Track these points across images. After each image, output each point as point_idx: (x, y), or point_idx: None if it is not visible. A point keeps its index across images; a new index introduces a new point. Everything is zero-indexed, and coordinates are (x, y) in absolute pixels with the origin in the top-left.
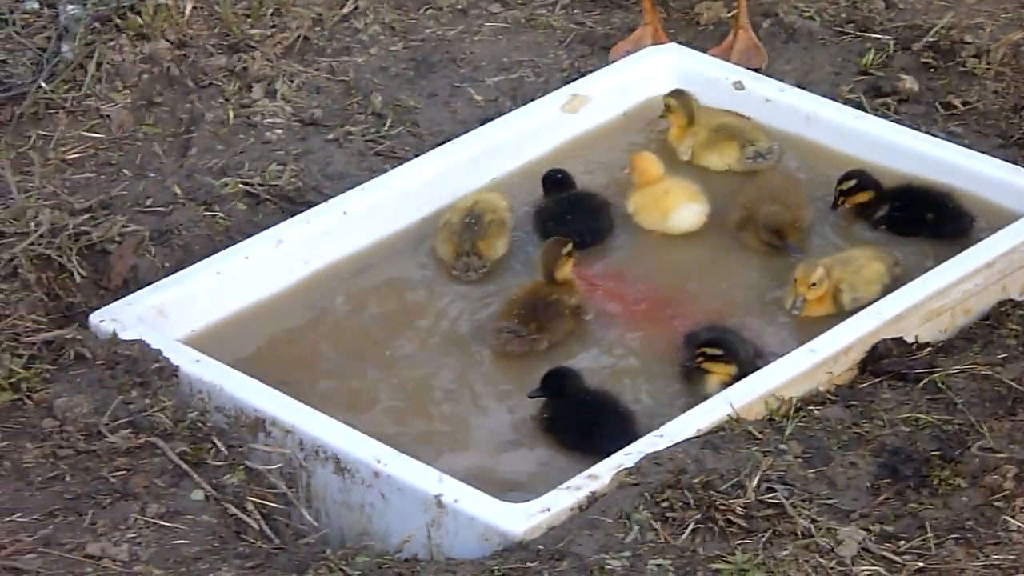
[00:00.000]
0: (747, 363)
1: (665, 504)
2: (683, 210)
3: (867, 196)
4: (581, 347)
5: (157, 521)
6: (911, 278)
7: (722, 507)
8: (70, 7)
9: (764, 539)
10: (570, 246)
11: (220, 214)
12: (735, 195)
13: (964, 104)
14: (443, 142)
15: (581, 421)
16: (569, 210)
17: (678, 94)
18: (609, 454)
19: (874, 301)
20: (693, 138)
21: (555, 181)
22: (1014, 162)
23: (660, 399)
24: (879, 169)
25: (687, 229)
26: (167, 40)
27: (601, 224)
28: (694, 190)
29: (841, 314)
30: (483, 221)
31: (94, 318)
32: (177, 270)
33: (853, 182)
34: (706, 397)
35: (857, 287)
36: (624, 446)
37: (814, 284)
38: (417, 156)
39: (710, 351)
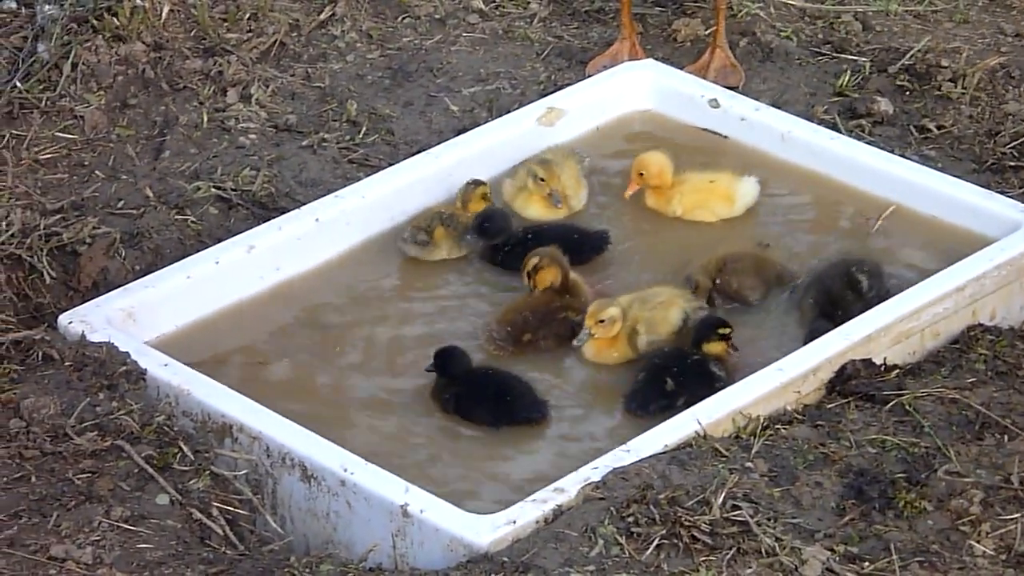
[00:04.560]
0: None
1: (631, 519)
2: (746, 184)
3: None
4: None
5: (122, 524)
6: None
7: (687, 523)
8: (47, 7)
9: (728, 556)
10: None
11: (192, 218)
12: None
13: (939, 128)
14: (418, 151)
15: (483, 396)
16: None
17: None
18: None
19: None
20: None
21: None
22: (987, 187)
23: None
24: (853, 191)
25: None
26: (143, 42)
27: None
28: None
29: (637, 358)
30: None
31: (63, 319)
32: (147, 273)
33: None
34: None
35: (655, 327)
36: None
37: (602, 321)
38: (391, 165)
39: None
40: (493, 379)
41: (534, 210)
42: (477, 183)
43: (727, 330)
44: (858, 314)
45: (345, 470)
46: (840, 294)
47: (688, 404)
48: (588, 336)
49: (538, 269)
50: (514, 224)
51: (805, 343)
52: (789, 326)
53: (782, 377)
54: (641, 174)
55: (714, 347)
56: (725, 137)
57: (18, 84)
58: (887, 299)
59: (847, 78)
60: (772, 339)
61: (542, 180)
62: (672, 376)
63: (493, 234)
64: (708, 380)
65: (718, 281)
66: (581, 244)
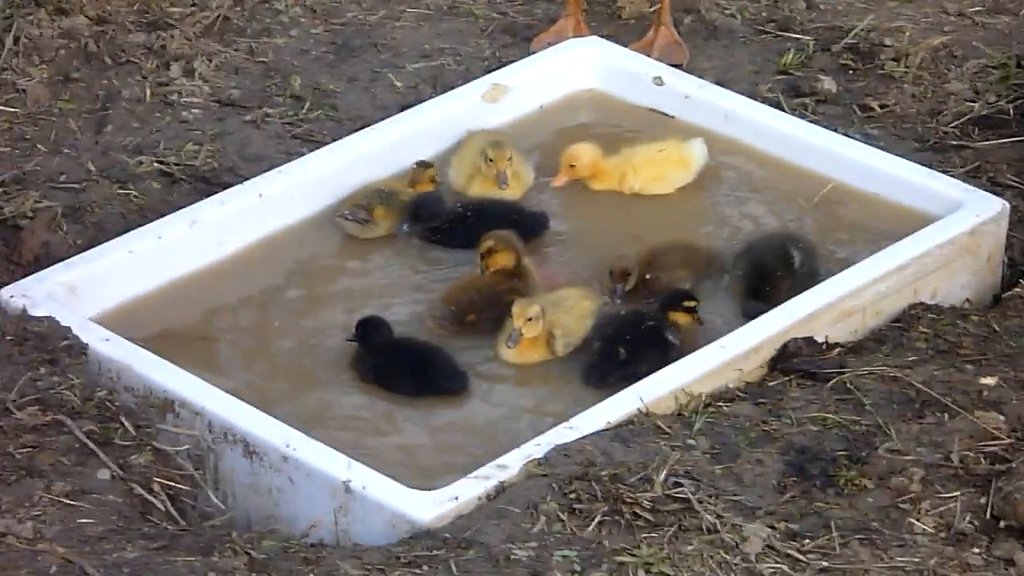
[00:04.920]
0: None
1: (573, 496)
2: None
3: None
4: None
5: (62, 499)
6: None
7: (629, 500)
8: None
9: (670, 533)
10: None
11: (134, 192)
12: None
13: (882, 107)
14: (362, 127)
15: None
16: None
17: None
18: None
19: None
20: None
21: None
22: (929, 166)
23: None
24: (796, 169)
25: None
26: (86, 16)
27: None
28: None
29: (554, 360)
30: None
31: (4, 293)
32: (89, 248)
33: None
34: None
35: (570, 330)
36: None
37: (531, 319)
38: (335, 140)
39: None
40: (413, 349)
41: (478, 190)
42: (425, 164)
43: (693, 303)
44: (787, 290)
45: (287, 446)
46: (771, 269)
47: (647, 373)
48: (519, 336)
49: (492, 252)
50: (451, 202)
51: (743, 319)
52: (726, 303)
53: (724, 355)
54: (572, 166)
55: (680, 316)
56: (671, 117)
57: None
58: (817, 276)
59: (791, 56)
60: (709, 317)
61: (491, 160)
62: (627, 345)
63: (428, 219)
64: (663, 347)
65: (648, 276)
66: (520, 224)
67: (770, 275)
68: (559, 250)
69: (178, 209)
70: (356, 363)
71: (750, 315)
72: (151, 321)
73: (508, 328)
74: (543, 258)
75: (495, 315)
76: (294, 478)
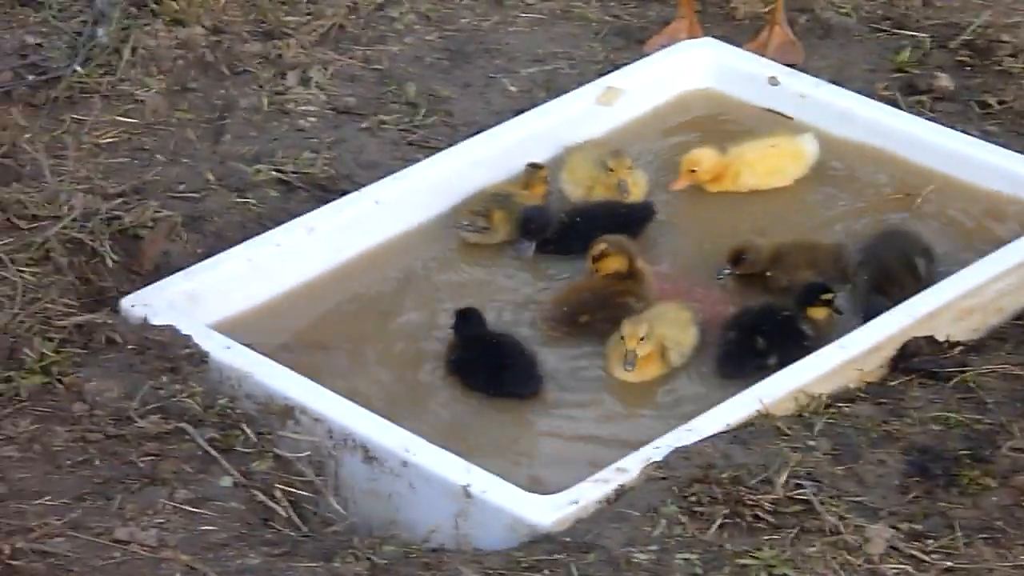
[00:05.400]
0: None
1: (693, 498)
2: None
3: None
4: None
5: (185, 507)
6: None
7: (750, 502)
8: None
9: (792, 535)
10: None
11: (252, 201)
12: None
13: (1000, 103)
14: (476, 132)
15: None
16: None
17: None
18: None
19: (694, 351)
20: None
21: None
22: None
23: None
24: (913, 167)
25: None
26: (202, 26)
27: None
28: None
29: (672, 373)
30: None
31: (125, 303)
32: (209, 256)
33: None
34: None
35: (681, 341)
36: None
37: (643, 338)
38: (450, 146)
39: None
40: (495, 346)
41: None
42: (537, 166)
43: (830, 295)
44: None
45: (407, 451)
46: (898, 275)
47: (782, 365)
48: (635, 357)
49: (604, 255)
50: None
51: (863, 320)
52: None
53: (844, 355)
54: (693, 171)
55: (818, 312)
56: (790, 119)
57: (78, 69)
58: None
59: (907, 54)
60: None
61: (611, 170)
62: (764, 335)
63: (539, 232)
64: (799, 339)
65: (769, 274)
66: (628, 217)
67: (897, 280)
68: (667, 241)
69: (296, 217)
70: (447, 354)
71: (871, 315)
72: (271, 328)
73: (620, 349)
74: (657, 260)
75: (609, 316)
76: (414, 483)
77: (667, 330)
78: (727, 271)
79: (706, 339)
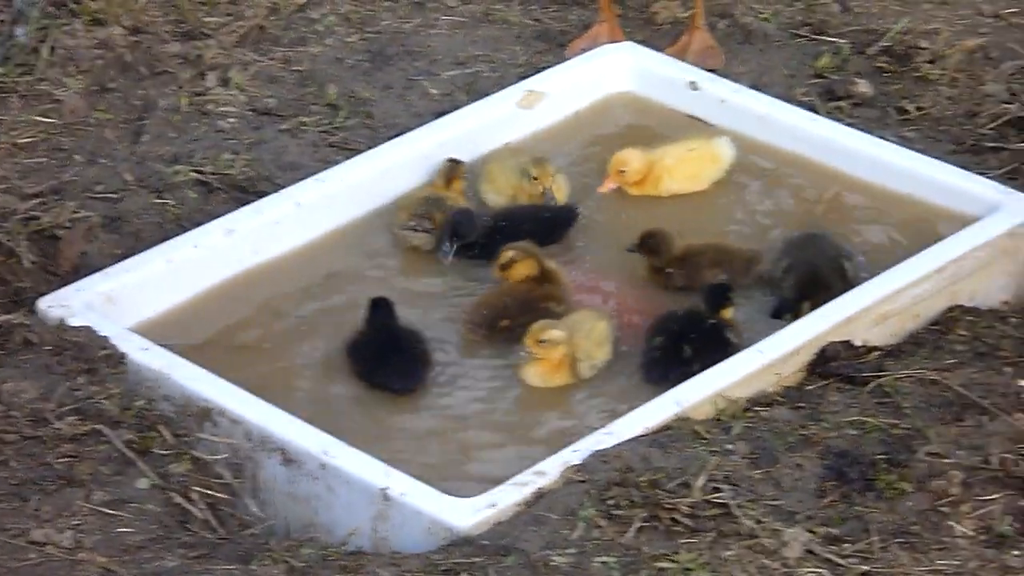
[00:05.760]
0: None
1: (611, 502)
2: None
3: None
4: None
5: (102, 509)
6: None
7: (668, 506)
8: None
9: (709, 539)
10: None
11: (171, 202)
12: None
13: (918, 109)
14: (397, 134)
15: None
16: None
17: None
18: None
19: (605, 366)
20: None
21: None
22: (966, 168)
23: None
24: (831, 172)
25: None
26: (122, 26)
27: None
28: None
29: (579, 384)
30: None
31: (42, 304)
32: (127, 257)
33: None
34: None
35: (592, 354)
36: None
37: (543, 341)
38: (371, 148)
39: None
40: (392, 338)
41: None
42: (456, 161)
43: (733, 293)
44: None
45: (326, 453)
46: (827, 277)
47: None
48: (528, 356)
49: (512, 263)
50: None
51: (772, 316)
52: (765, 307)
53: (762, 359)
54: (622, 171)
55: (727, 312)
56: (712, 126)
57: None
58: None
59: (826, 60)
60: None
61: (535, 178)
62: (690, 343)
63: (468, 234)
64: (723, 346)
65: (669, 271)
66: (552, 221)
67: (825, 283)
68: (588, 244)
69: (215, 218)
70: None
71: (779, 315)
72: (189, 330)
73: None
74: (572, 260)
75: (529, 321)
76: (332, 486)
77: (581, 341)
78: (631, 249)
79: (620, 344)
